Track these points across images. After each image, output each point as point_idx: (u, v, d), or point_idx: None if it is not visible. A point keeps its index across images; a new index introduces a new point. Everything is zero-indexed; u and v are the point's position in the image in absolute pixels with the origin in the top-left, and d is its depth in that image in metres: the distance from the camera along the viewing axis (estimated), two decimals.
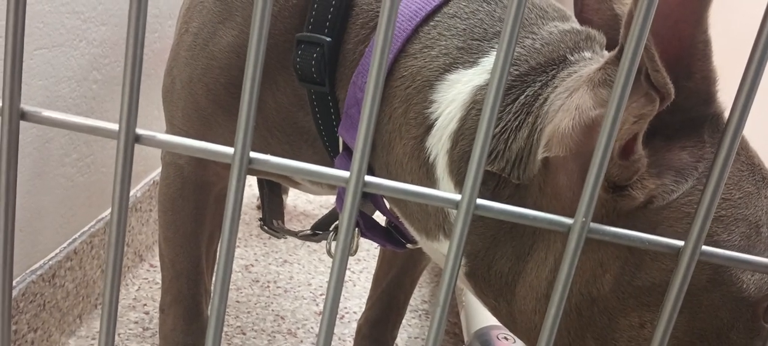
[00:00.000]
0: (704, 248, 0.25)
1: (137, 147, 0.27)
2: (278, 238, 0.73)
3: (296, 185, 0.71)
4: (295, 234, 0.77)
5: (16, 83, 0.24)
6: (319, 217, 0.79)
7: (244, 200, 1.66)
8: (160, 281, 1.15)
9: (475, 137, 0.23)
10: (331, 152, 0.59)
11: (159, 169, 1.22)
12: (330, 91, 0.55)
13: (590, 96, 0.40)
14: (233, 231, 0.25)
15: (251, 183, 1.59)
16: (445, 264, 0.25)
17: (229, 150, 0.25)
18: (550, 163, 0.43)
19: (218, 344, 0.27)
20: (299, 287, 1.22)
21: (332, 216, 0.76)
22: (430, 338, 0.26)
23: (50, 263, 0.87)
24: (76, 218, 0.94)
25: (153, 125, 1.17)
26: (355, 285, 1.26)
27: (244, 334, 1.05)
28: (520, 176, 0.45)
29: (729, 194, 0.41)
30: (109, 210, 1.04)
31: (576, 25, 0.52)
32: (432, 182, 0.50)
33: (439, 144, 0.49)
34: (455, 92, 0.49)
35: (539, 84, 0.46)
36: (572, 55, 0.48)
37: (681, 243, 0.25)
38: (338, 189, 0.59)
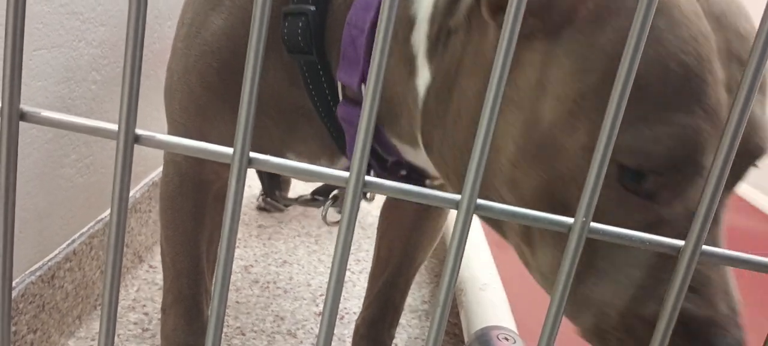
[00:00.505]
0: (705, 247, 0.25)
1: (136, 148, 0.27)
2: (280, 210, 0.75)
3: (298, 156, 0.72)
4: (295, 201, 0.77)
5: (16, 84, 0.24)
6: (318, 204, 0.80)
7: (244, 201, 1.66)
8: (159, 282, 1.15)
9: (474, 143, 0.23)
10: (328, 124, 0.60)
11: (158, 170, 1.22)
12: (319, 60, 0.57)
13: None
14: (233, 231, 0.25)
15: (250, 184, 1.59)
16: (445, 265, 0.25)
17: (229, 150, 0.24)
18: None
19: (218, 344, 0.26)
20: (299, 287, 1.22)
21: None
22: (430, 339, 0.26)
23: (49, 263, 0.87)
24: (75, 219, 0.94)
25: (152, 126, 1.17)
26: (354, 285, 1.26)
27: (243, 335, 1.05)
28: (453, 23, 0.49)
29: None
30: (109, 211, 1.04)
31: None
32: (413, 75, 0.53)
33: (421, 36, 0.52)
34: None
35: None
36: None
37: (681, 243, 0.25)
38: (347, 141, 0.60)
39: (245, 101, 0.23)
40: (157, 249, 1.25)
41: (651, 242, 0.25)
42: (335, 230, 1.47)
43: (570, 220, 0.25)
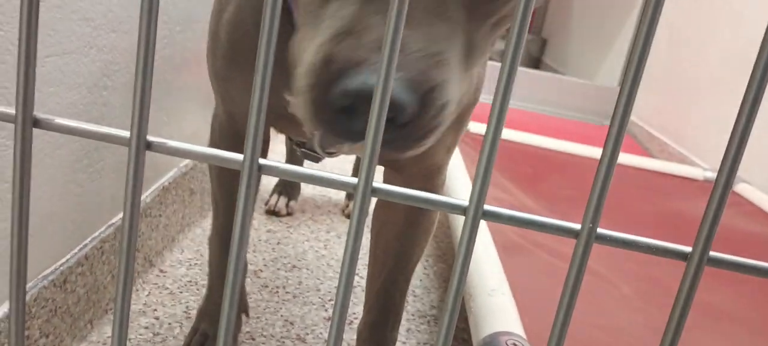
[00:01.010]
0: (712, 254, 0.25)
1: (147, 153, 0.27)
2: (317, 160, 0.77)
3: (302, 135, 0.73)
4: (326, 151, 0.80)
5: (30, 91, 0.24)
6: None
7: None
8: (170, 287, 1.16)
9: (482, 150, 0.24)
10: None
11: (169, 175, 1.22)
12: None
13: None
14: (244, 236, 0.25)
15: (259, 187, 1.60)
16: (453, 270, 0.25)
17: (239, 157, 0.25)
18: None
19: None
20: (308, 292, 1.23)
21: None
22: (439, 344, 0.26)
23: (61, 268, 0.88)
24: (86, 224, 0.94)
25: (163, 132, 1.18)
26: (363, 290, 1.26)
27: (253, 339, 1.05)
28: None
29: None
30: (120, 216, 1.05)
31: None
32: None
33: None
34: None
35: None
36: None
37: (689, 249, 0.25)
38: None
39: (255, 108, 0.23)
40: (168, 254, 1.26)
41: (657, 249, 0.25)
42: (344, 234, 1.48)
43: (577, 226, 0.25)
